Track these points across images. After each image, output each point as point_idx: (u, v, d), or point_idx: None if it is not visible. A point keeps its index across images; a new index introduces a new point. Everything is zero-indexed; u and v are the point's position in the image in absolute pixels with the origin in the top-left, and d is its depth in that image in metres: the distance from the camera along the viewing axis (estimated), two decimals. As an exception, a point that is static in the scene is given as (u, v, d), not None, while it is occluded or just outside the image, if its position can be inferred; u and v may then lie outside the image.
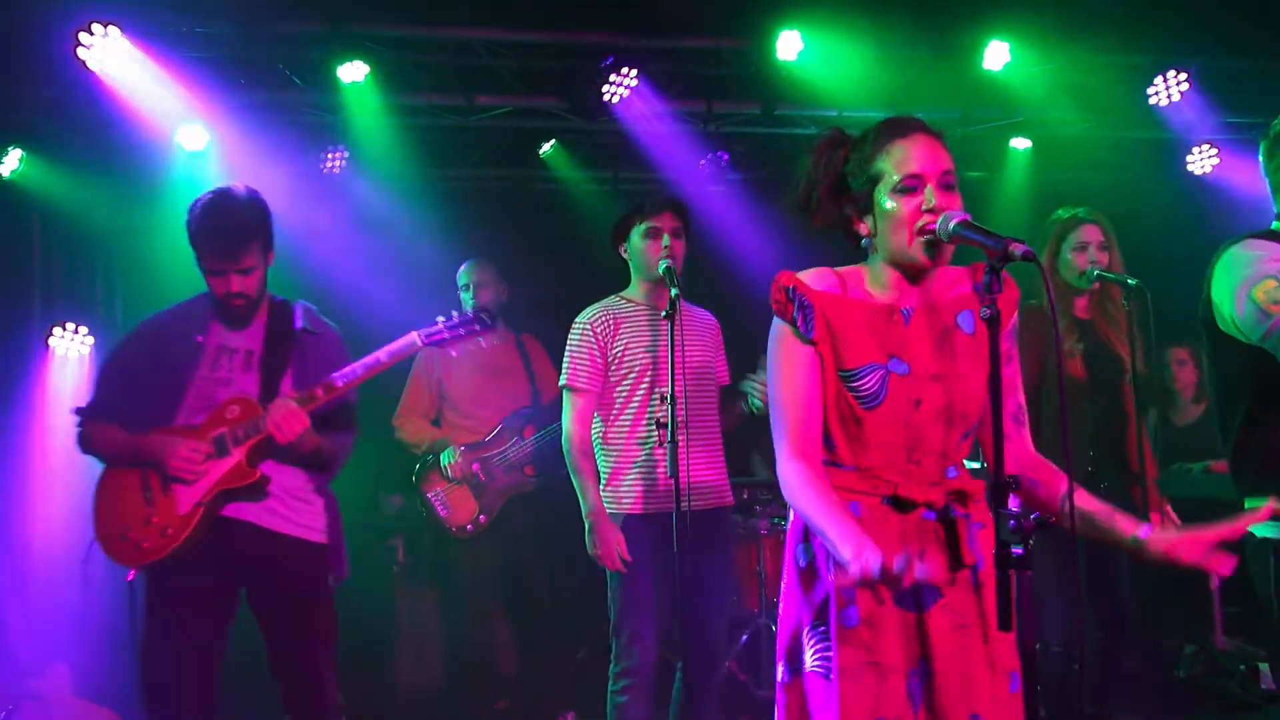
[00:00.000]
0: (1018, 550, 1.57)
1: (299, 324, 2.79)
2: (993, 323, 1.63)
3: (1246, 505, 2.25)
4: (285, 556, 2.71)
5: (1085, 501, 1.82)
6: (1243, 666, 4.51)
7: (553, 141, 5.31)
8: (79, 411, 2.77)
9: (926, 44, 4.70)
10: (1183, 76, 4.89)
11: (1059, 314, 3.52)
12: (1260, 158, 2.33)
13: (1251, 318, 2.14)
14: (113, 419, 2.71)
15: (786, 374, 1.83)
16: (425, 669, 4.62)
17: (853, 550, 1.62)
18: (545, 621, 4.23)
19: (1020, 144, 5.59)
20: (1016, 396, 1.92)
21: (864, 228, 1.86)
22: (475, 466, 4.05)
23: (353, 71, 4.40)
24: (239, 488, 2.63)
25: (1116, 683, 3.52)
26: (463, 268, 4.29)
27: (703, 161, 5.41)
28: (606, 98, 4.64)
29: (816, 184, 1.89)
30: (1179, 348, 4.70)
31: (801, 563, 1.85)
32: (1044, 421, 3.23)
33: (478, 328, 2.78)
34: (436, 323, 2.78)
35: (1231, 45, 4.85)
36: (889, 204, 1.80)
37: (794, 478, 1.79)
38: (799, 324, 1.82)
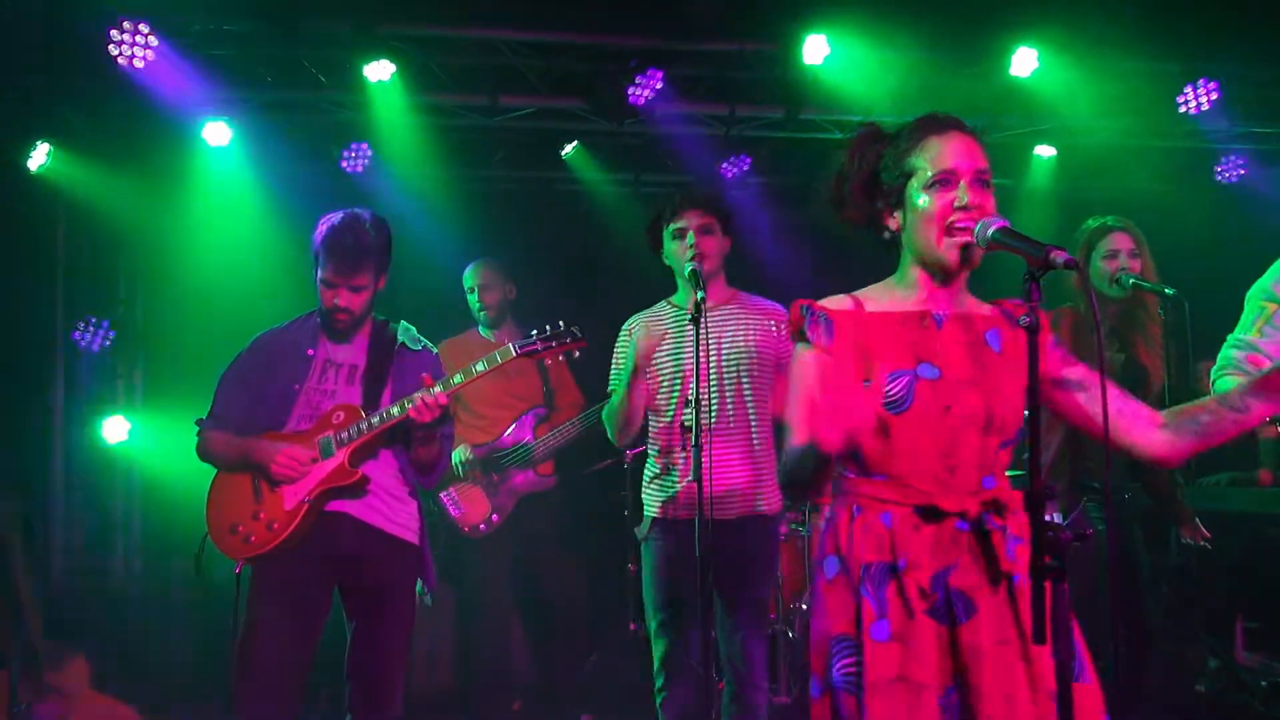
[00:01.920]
0: (1054, 561, 1.54)
1: (398, 342, 2.97)
2: (1032, 330, 1.61)
3: None
4: (380, 551, 2.86)
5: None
6: (1264, 683, 4.45)
7: (575, 143, 5.30)
8: (199, 423, 2.96)
9: (954, 50, 4.67)
10: (1212, 85, 4.84)
11: (1089, 320, 3.48)
12: None
13: None
14: (227, 427, 2.92)
15: (803, 390, 1.84)
16: (438, 670, 4.61)
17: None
18: (560, 622, 4.22)
19: (1045, 151, 5.56)
20: (1109, 389, 1.76)
21: (894, 223, 1.85)
22: (487, 471, 4.06)
23: (379, 70, 4.41)
24: (342, 486, 2.82)
25: (1141, 698, 3.48)
26: (468, 269, 4.29)
27: (724, 165, 5.39)
28: (630, 99, 4.63)
29: (850, 177, 1.88)
30: (1209, 361, 4.65)
31: (830, 574, 1.82)
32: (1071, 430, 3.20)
33: (569, 340, 2.91)
34: (531, 335, 2.92)
35: (1260, 54, 4.80)
36: (921, 199, 1.79)
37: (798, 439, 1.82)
38: (815, 337, 1.82)
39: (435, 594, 4.61)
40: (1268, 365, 2.18)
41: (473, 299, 4.25)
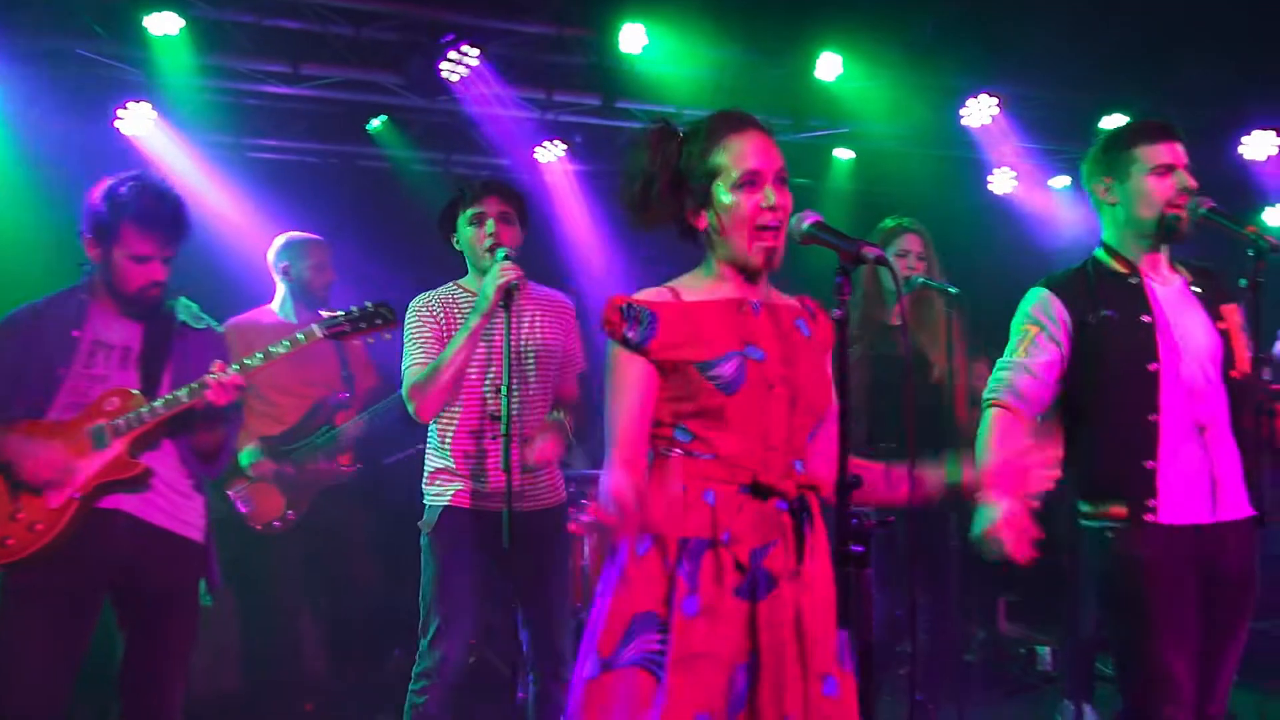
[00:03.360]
0: (858, 548, 1.60)
1: (178, 320, 2.74)
2: (841, 324, 1.67)
3: (1080, 506, 2.41)
4: (162, 552, 2.63)
5: (891, 470, 1.95)
6: (1023, 650, 4.91)
7: (383, 117, 5.08)
8: None
9: (765, 49, 4.82)
10: (994, 101, 5.24)
11: (878, 319, 3.70)
12: (1084, 182, 2.50)
13: None
14: None
15: (619, 389, 1.85)
16: (224, 675, 4.31)
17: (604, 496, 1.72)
18: (359, 620, 4.04)
19: (844, 154, 5.85)
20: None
21: (702, 222, 1.88)
22: (280, 465, 3.81)
23: (163, 23, 4.04)
24: (120, 480, 2.58)
25: (943, 670, 3.75)
26: (295, 245, 3.99)
27: (539, 149, 5.33)
28: (444, 75, 4.48)
29: (655, 178, 1.88)
30: (978, 362, 5.04)
31: (641, 550, 1.81)
32: (863, 416, 3.40)
33: (380, 322, 2.77)
34: (338, 315, 2.75)
35: (1036, 76, 5.25)
36: (728, 199, 1.83)
37: (614, 486, 1.79)
38: (632, 337, 1.83)
39: (220, 593, 4.31)
40: (1034, 380, 2.38)
41: (310, 276, 3.95)
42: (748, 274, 1.87)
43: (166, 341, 2.69)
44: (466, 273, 3.04)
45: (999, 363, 2.49)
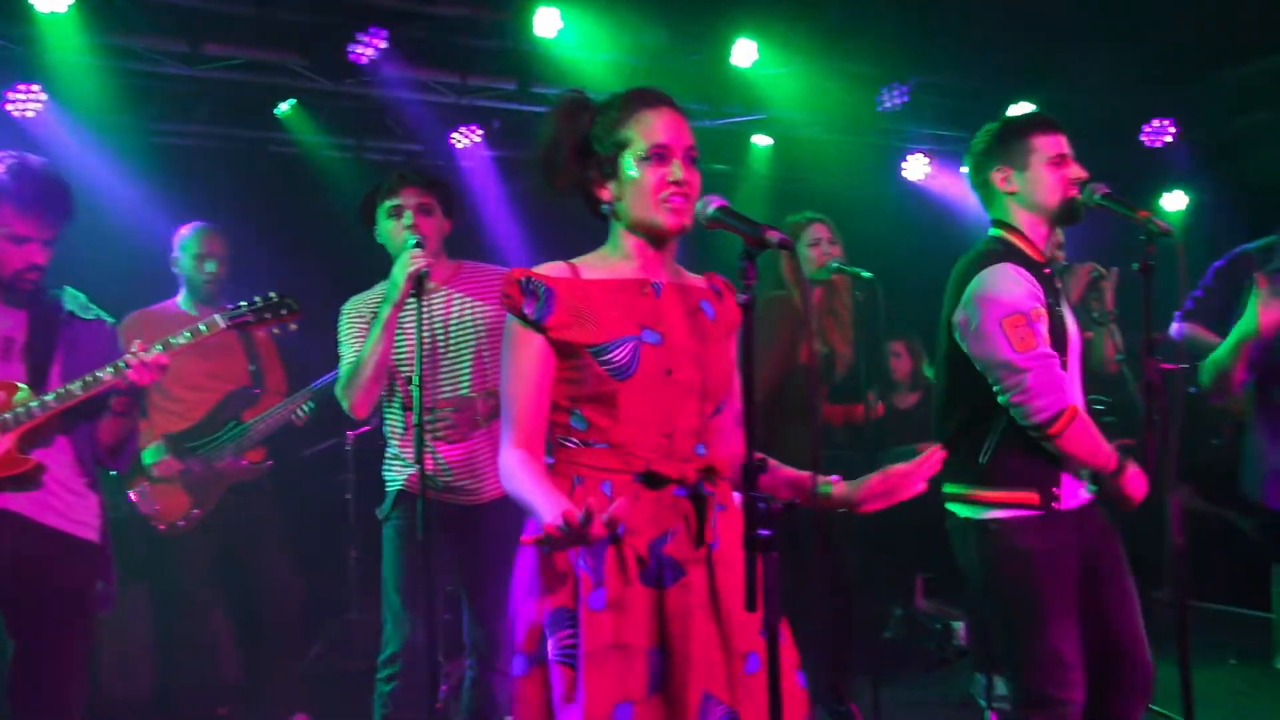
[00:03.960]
0: (765, 532, 1.60)
1: (65, 310, 2.62)
2: (747, 308, 1.66)
3: (945, 489, 2.48)
4: (54, 553, 2.52)
5: (779, 469, 1.91)
6: (938, 626, 5.02)
7: (292, 101, 4.92)
8: None
9: (681, 34, 4.81)
10: (904, 89, 5.32)
11: (803, 306, 3.71)
12: (969, 172, 2.55)
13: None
14: None
15: (516, 367, 1.83)
16: (133, 678, 4.16)
17: (549, 510, 1.65)
18: (273, 618, 3.92)
19: (762, 141, 5.88)
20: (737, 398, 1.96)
21: (607, 193, 1.86)
22: (185, 463, 3.68)
23: (49, 0, 3.84)
24: (9, 477, 2.46)
25: (850, 649, 3.82)
26: (190, 234, 3.84)
27: (456, 135, 5.23)
28: (352, 58, 4.36)
29: (561, 145, 1.86)
30: (895, 341, 5.13)
31: (546, 547, 1.78)
32: (785, 404, 3.42)
33: (285, 313, 2.70)
34: (240, 306, 2.69)
35: (945, 64, 5.34)
36: (635, 171, 1.81)
37: (513, 463, 1.80)
38: (530, 313, 1.80)
39: (127, 595, 4.17)
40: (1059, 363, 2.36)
41: (193, 267, 3.80)
42: (654, 241, 1.85)
43: (53, 332, 2.57)
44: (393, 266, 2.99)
45: (1015, 371, 2.31)
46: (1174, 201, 5.98)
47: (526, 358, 1.82)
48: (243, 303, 2.70)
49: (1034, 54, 5.10)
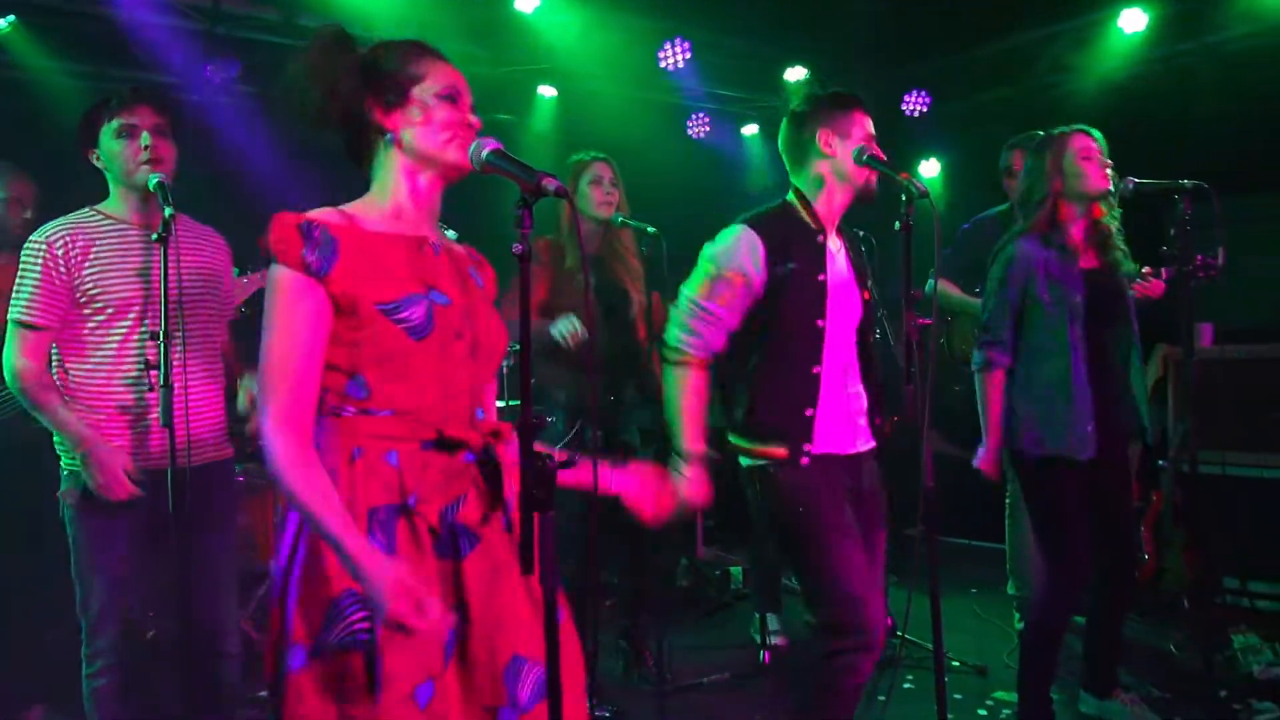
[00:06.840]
0: (541, 492, 1.55)
1: None
2: (524, 258, 1.59)
3: (730, 439, 2.60)
4: None
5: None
6: (718, 572, 5.23)
7: (10, 17, 4.31)
8: None
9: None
10: (686, 45, 5.37)
11: (575, 248, 3.66)
12: (795, 128, 2.61)
13: None
14: None
15: (287, 325, 1.63)
16: None
17: (388, 592, 1.53)
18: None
19: (547, 91, 5.77)
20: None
21: (392, 121, 1.74)
22: None
23: None
24: None
25: (644, 599, 3.90)
26: None
27: (209, 68, 4.78)
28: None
29: (343, 67, 1.72)
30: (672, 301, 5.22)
31: None
32: (562, 351, 3.38)
33: None
34: None
35: (726, 24, 5.43)
36: (431, 102, 1.74)
37: (286, 462, 1.59)
38: (313, 261, 1.63)
39: None
40: (717, 327, 2.50)
41: None
42: (434, 180, 1.77)
43: None
44: (108, 195, 2.66)
45: (679, 305, 2.55)
46: (929, 169, 6.41)
47: (303, 313, 1.62)
48: None
49: (805, 21, 5.28)
